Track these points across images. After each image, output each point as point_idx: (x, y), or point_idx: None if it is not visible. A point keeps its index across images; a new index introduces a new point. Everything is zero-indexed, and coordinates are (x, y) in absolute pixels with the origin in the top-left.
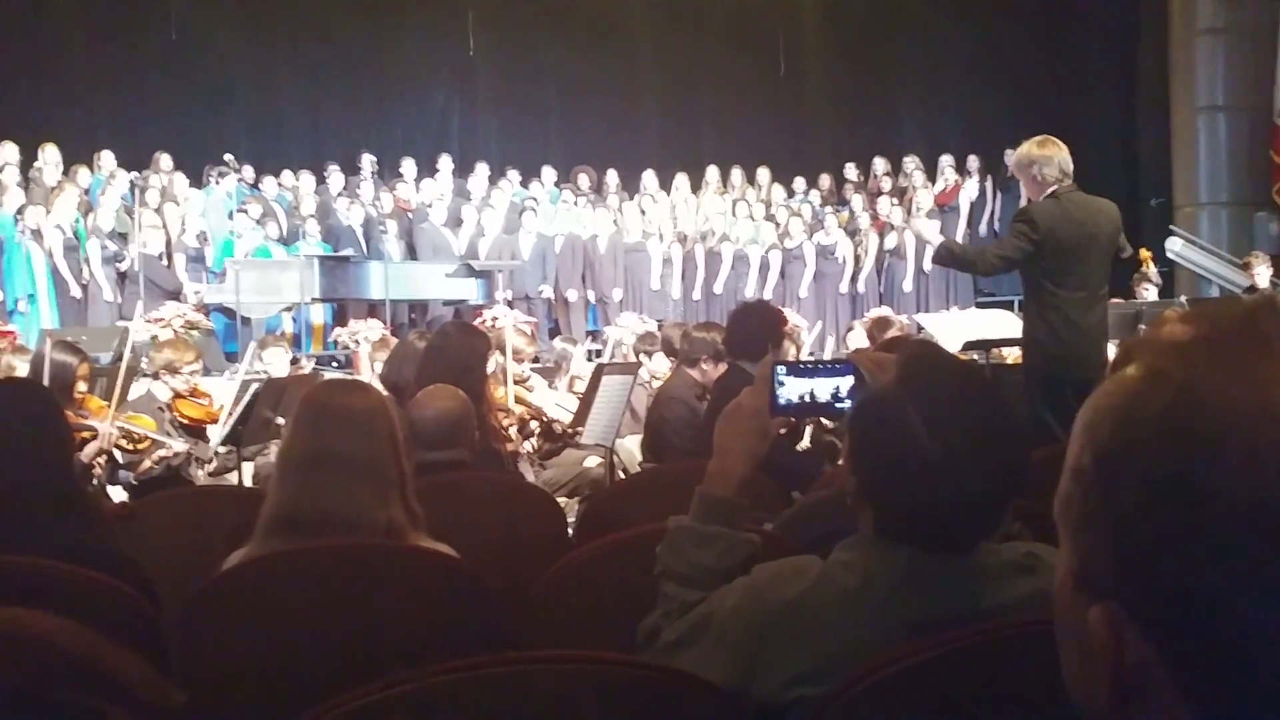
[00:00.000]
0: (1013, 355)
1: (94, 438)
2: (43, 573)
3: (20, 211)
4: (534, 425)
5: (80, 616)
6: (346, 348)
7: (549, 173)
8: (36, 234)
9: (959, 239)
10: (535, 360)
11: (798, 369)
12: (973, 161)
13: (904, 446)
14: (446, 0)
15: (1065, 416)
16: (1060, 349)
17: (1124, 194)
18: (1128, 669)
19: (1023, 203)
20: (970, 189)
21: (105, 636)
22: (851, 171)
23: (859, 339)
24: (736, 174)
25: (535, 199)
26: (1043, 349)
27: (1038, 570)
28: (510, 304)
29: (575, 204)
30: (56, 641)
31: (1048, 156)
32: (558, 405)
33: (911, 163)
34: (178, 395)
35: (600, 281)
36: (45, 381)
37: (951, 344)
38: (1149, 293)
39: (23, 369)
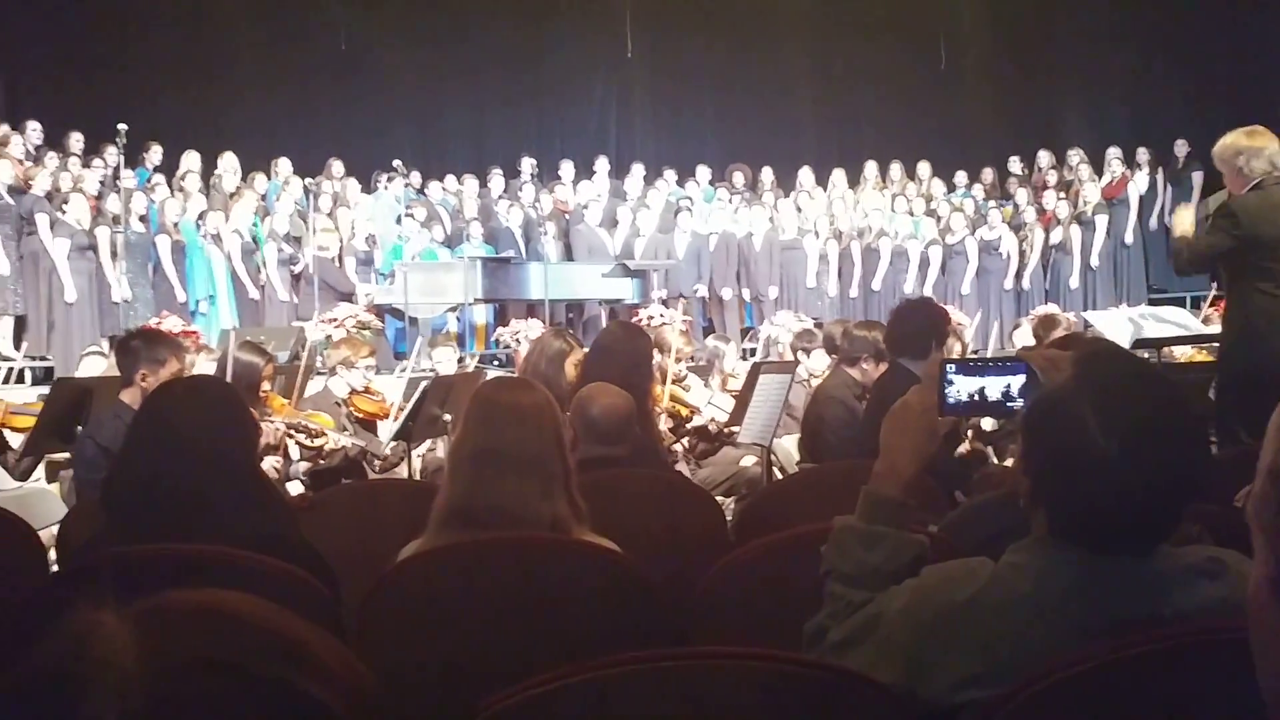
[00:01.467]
0: (1185, 354)
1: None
2: (235, 562)
3: (202, 217)
4: (691, 423)
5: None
6: (507, 347)
7: (704, 171)
8: (216, 238)
9: (1128, 234)
10: (691, 360)
11: (968, 367)
12: (1142, 154)
13: (1079, 445)
14: (605, 3)
15: (1255, 417)
16: (1261, 347)
17: None
18: None
19: (1195, 195)
20: (1140, 182)
21: (293, 613)
22: (1015, 165)
23: (1025, 337)
24: (896, 169)
25: (690, 198)
26: (1242, 346)
27: (1222, 576)
28: (665, 303)
29: (730, 202)
30: (253, 617)
31: (1257, 148)
32: (711, 404)
33: (1077, 155)
34: (354, 391)
35: (755, 279)
36: (229, 379)
37: (1121, 342)
38: None
39: (205, 367)
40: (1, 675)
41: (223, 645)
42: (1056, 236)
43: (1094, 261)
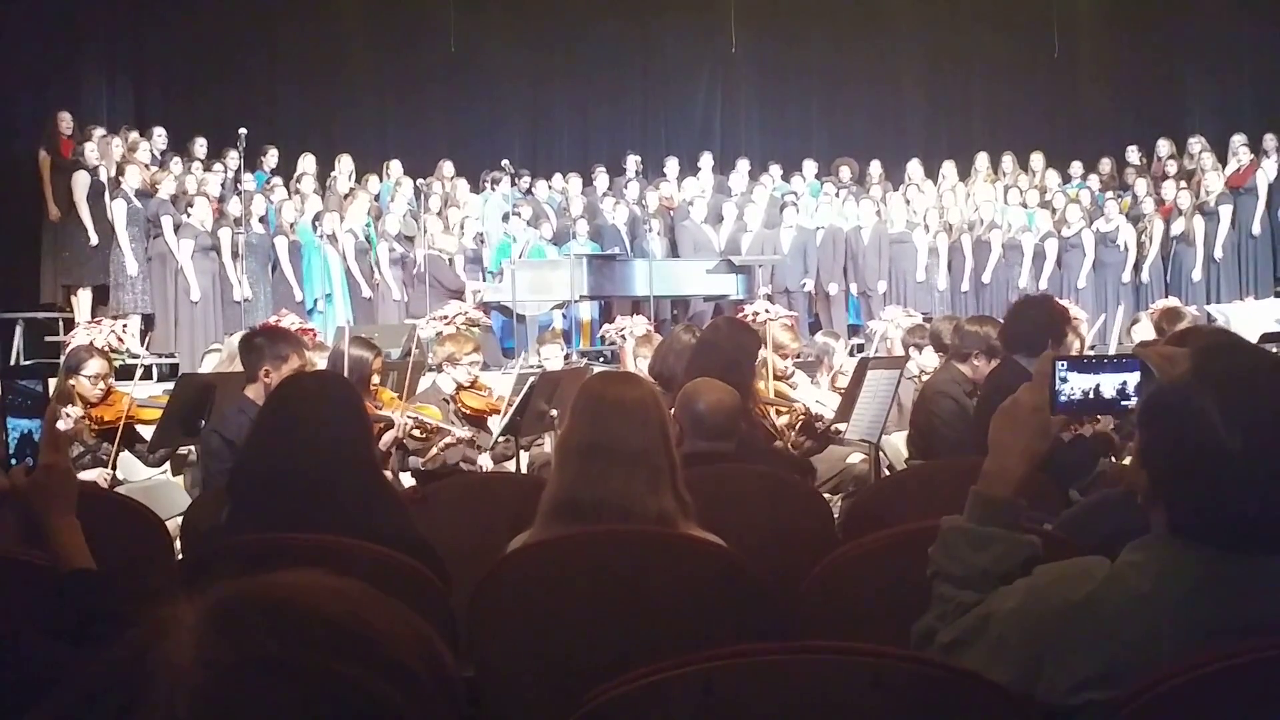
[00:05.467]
0: None
1: (389, 428)
2: (351, 552)
3: (317, 218)
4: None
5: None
6: (613, 343)
7: (810, 166)
8: (332, 238)
9: (1255, 225)
10: (797, 356)
11: (1080, 364)
12: (1270, 140)
13: (1200, 439)
14: None
15: None
16: None
17: None
18: None
19: None
20: (1269, 169)
21: (381, 596)
22: (1133, 154)
23: (1145, 331)
24: (1008, 160)
25: (796, 193)
26: None
27: None
28: (770, 298)
29: (837, 196)
30: (326, 610)
31: None
32: (819, 402)
33: (1198, 143)
34: (460, 387)
35: (863, 274)
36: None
37: (1246, 337)
38: None
39: (323, 364)
40: (79, 670)
41: (281, 643)
42: (1177, 228)
43: (1217, 253)
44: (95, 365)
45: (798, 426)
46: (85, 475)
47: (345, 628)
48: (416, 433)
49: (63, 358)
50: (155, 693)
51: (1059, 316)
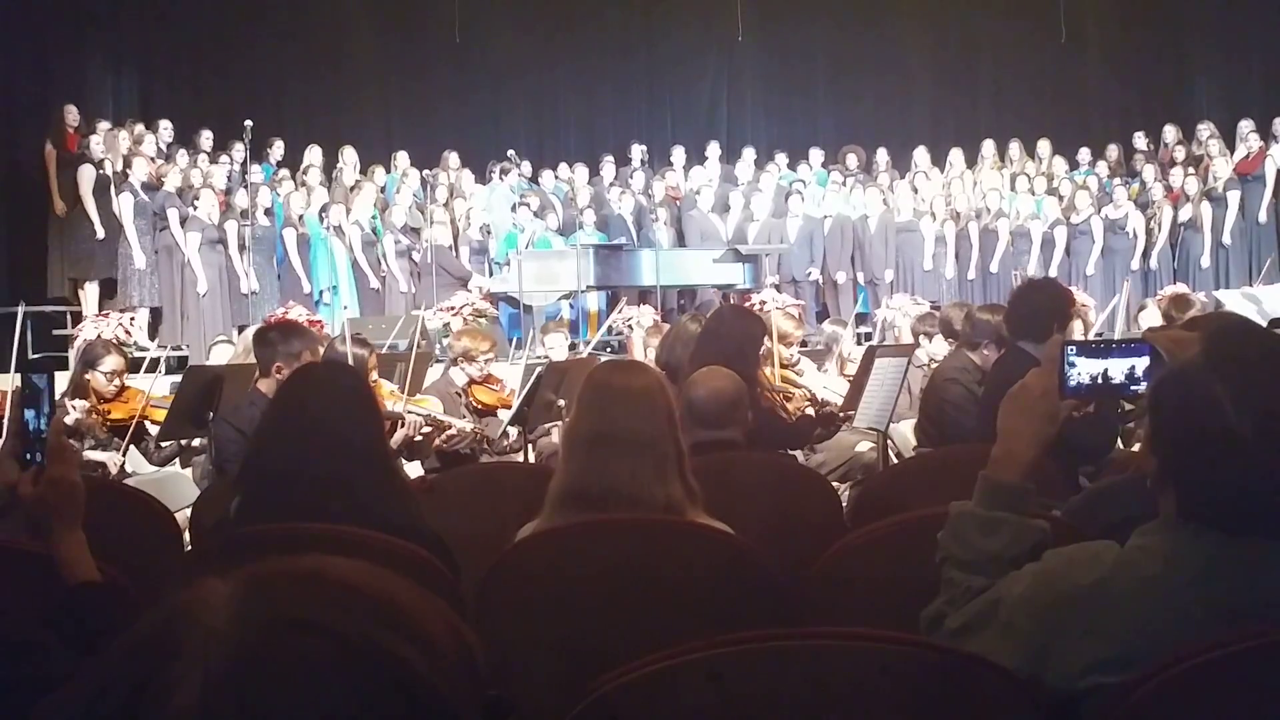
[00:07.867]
0: None
1: (398, 427)
2: (361, 542)
3: (324, 210)
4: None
5: None
6: (620, 333)
7: (817, 154)
8: (338, 230)
9: (1263, 212)
10: (804, 344)
11: (1089, 349)
12: (1279, 125)
13: (1209, 423)
14: None
15: None
16: None
17: None
18: None
19: None
20: (1277, 156)
21: (408, 580)
22: (1141, 141)
23: (1152, 318)
24: (1015, 147)
25: (803, 181)
26: None
27: None
28: (778, 287)
29: (844, 184)
30: (355, 582)
31: None
32: (826, 389)
33: (1206, 129)
34: (473, 381)
35: (870, 263)
36: None
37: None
38: None
39: None
40: (117, 638)
41: (315, 607)
42: (1185, 214)
43: (1225, 240)
44: (112, 361)
45: (804, 412)
46: (96, 455)
47: (378, 598)
48: (425, 429)
49: (70, 352)
50: (190, 653)
51: (1062, 299)
